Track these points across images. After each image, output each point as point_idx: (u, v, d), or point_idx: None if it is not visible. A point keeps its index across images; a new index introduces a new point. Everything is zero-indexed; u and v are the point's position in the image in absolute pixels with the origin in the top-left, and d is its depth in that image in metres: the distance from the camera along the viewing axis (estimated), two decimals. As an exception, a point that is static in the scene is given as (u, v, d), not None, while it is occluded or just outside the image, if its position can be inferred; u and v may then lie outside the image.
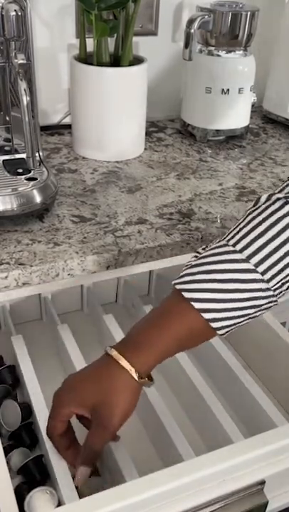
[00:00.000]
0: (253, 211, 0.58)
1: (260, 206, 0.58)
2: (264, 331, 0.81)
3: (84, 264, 0.73)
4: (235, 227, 0.59)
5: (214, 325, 0.56)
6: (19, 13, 0.74)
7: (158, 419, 0.70)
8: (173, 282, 0.58)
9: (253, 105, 1.16)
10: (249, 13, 1.04)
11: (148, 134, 1.16)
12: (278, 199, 0.57)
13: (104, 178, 0.97)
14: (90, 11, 0.92)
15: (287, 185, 0.59)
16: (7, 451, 0.69)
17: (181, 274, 0.58)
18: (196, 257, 0.60)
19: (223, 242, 0.58)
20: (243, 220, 0.59)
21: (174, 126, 1.24)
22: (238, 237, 0.57)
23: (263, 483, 0.60)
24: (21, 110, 0.73)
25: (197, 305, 0.55)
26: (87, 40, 0.98)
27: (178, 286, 0.57)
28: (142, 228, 0.81)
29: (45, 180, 0.82)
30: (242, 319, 0.57)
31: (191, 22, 1.02)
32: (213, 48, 1.08)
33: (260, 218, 0.57)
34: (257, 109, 1.31)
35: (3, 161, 0.86)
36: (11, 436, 0.73)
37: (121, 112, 0.99)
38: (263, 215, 0.57)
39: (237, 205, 0.89)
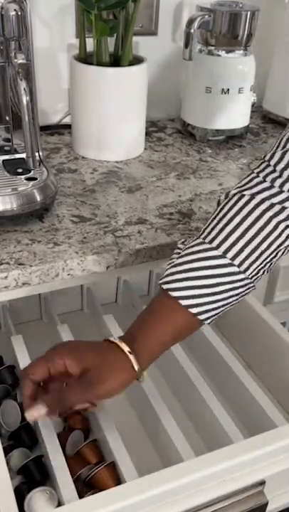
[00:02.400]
0: (223, 207, 0.63)
1: (228, 201, 0.63)
2: (264, 331, 0.81)
3: (84, 264, 0.73)
4: (209, 224, 0.64)
5: (201, 317, 0.62)
6: (19, 13, 0.74)
7: (158, 419, 0.70)
8: (159, 282, 0.63)
9: (253, 105, 1.16)
10: (249, 13, 1.04)
11: (148, 134, 1.16)
12: (243, 195, 0.63)
13: (104, 178, 0.97)
14: (90, 10, 0.92)
15: (249, 179, 0.64)
16: (7, 451, 0.69)
17: (165, 273, 0.63)
18: (177, 253, 0.64)
19: (200, 240, 0.63)
20: (216, 217, 0.64)
21: (174, 126, 1.24)
22: (213, 233, 0.62)
23: (263, 483, 0.60)
24: (21, 110, 0.73)
25: (184, 302, 0.61)
26: (87, 40, 0.98)
27: (164, 286, 0.62)
28: (142, 228, 0.81)
29: (45, 180, 0.82)
30: (225, 307, 0.63)
31: (191, 22, 1.02)
32: (213, 48, 1.08)
33: (231, 213, 0.62)
34: (257, 109, 1.31)
35: (3, 161, 0.86)
36: (11, 436, 0.73)
37: (121, 112, 0.99)
38: (234, 210, 0.62)
39: (237, 205, 0.89)
